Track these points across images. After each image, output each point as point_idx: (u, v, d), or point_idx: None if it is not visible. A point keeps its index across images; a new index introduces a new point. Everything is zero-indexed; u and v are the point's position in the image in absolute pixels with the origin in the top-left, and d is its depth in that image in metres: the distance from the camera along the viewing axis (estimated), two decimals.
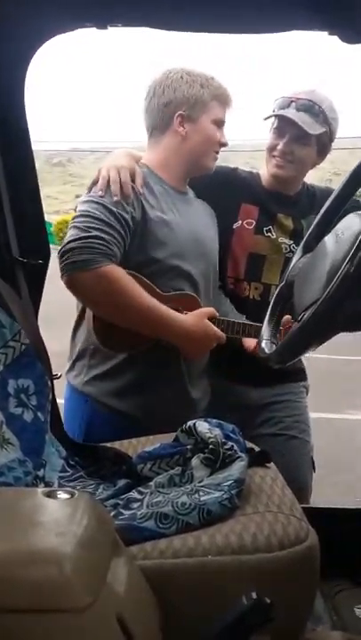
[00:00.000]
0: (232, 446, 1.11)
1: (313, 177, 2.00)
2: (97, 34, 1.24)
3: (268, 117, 1.74)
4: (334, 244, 0.98)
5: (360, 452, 3.85)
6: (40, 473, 1.13)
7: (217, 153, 1.60)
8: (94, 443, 1.35)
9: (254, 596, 0.73)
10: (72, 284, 1.39)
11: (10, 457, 1.08)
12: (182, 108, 1.53)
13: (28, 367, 1.21)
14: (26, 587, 0.58)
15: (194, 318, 1.51)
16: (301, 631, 1.01)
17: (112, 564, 0.68)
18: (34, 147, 1.44)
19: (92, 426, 1.54)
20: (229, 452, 1.09)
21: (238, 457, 1.09)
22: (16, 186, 1.42)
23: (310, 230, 1.18)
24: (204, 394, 1.66)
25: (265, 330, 1.20)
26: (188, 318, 1.50)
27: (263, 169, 1.86)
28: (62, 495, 0.68)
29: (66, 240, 1.38)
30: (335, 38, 1.18)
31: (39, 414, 1.19)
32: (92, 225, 1.38)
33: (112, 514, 0.99)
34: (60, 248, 1.38)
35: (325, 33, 1.18)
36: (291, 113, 1.68)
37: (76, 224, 1.40)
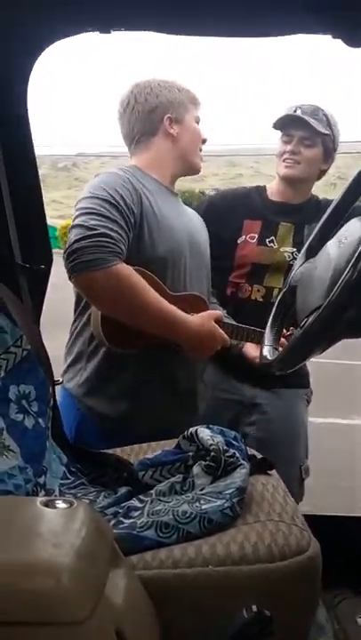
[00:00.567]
0: (234, 453, 1.10)
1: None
2: (104, 38, 1.24)
3: (277, 120, 1.86)
4: (337, 249, 0.96)
5: None
6: (41, 480, 1.12)
7: (200, 151, 1.68)
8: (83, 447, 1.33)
9: (255, 609, 0.71)
10: (82, 285, 1.38)
11: (10, 464, 1.07)
12: (169, 111, 1.59)
13: (29, 373, 1.20)
14: (21, 599, 0.57)
15: (201, 320, 1.51)
16: None
17: (110, 575, 0.67)
18: (39, 151, 1.45)
19: (81, 431, 1.53)
20: (231, 460, 1.08)
21: (240, 464, 1.08)
22: (19, 191, 1.42)
23: (313, 236, 1.17)
24: (195, 397, 1.66)
25: (267, 336, 1.19)
26: (195, 319, 1.50)
27: (270, 183, 1.98)
28: (61, 505, 0.67)
29: (71, 239, 1.34)
30: (339, 41, 1.18)
31: (40, 421, 1.18)
32: (98, 222, 1.35)
33: (112, 522, 0.98)
34: (65, 249, 1.35)
35: (329, 36, 1.18)
36: (295, 115, 1.82)
37: (80, 222, 1.36)
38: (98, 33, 1.22)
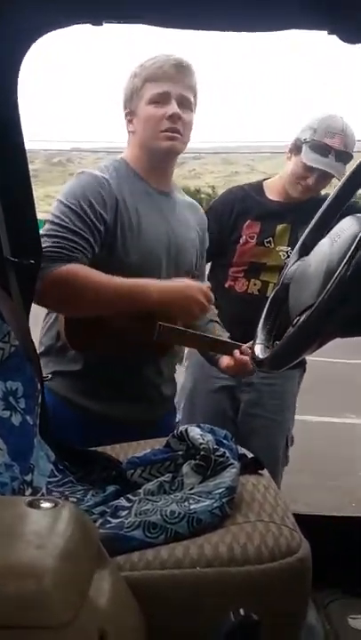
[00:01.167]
0: (224, 453, 1.09)
1: None
2: (99, 31, 1.22)
3: (314, 169, 1.94)
4: (330, 247, 0.95)
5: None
6: (28, 478, 1.11)
7: (168, 131, 1.48)
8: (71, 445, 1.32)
9: (242, 612, 0.70)
10: (38, 295, 1.36)
11: None
12: (126, 107, 1.55)
13: (17, 369, 1.18)
14: (3, 602, 0.55)
15: (172, 281, 1.49)
16: None
17: (95, 576, 0.66)
18: (34, 146, 1.48)
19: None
20: (221, 459, 1.07)
21: (230, 464, 1.06)
22: (8, 184, 1.39)
23: (306, 233, 1.16)
24: (174, 390, 1.67)
25: (259, 334, 1.17)
26: (162, 281, 1.47)
27: (269, 180, 2.11)
28: (45, 504, 0.65)
29: None
30: (335, 38, 1.16)
31: (28, 418, 1.16)
32: (56, 232, 1.40)
33: (99, 522, 0.96)
34: None
35: (325, 32, 1.16)
36: (330, 164, 1.90)
37: (43, 231, 1.40)
38: (90, 25, 1.20)
